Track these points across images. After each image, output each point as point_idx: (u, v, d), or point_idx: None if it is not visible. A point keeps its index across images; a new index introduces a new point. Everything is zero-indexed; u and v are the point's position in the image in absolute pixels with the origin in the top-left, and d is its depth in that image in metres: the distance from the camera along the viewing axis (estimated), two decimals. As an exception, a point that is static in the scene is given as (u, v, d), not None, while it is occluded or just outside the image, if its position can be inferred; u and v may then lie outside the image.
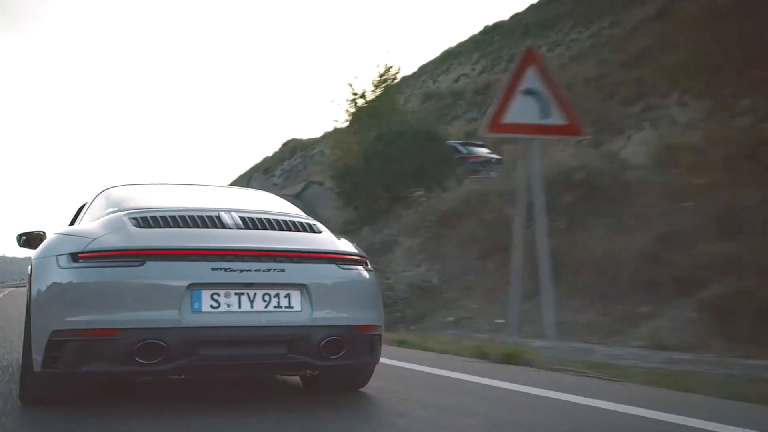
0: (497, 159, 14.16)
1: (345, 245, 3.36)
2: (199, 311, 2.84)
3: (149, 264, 2.85)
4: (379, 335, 3.29)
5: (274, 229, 3.22)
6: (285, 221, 3.32)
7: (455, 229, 10.42)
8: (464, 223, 10.34)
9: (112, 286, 2.82)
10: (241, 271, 2.91)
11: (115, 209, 3.32)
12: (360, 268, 3.28)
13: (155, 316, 2.80)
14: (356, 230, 12.87)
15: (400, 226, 11.73)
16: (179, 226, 3.07)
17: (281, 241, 3.14)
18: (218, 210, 3.24)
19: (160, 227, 3.05)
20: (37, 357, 2.87)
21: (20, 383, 3.20)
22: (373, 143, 13.12)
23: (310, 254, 3.11)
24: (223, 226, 3.12)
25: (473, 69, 29.67)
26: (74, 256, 2.90)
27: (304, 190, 17.38)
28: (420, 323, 8.93)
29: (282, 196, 4.41)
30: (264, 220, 3.24)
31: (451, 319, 8.68)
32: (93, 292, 2.82)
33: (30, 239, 4.40)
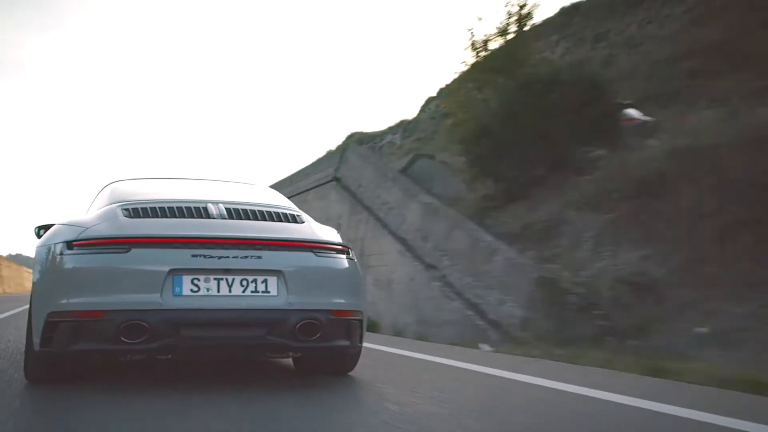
0: (652, 121, 11.02)
1: (325, 235, 3.55)
2: (180, 295, 3.07)
3: (134, 251, 3.09)
4: (358, 320, 3.47)
5: (257, 220, 3.47)
6: (269, 212, 3.57)
7: (666, 201, 7.38)
8: (678, 192, 7.28)
9: (101, 271, 3.06)
10: (220, 257, 3.13)
11: (113, 201, 3.58)
12: (340, 256, 3.47)
13: (139, 299, 3.02)
14: (499, 207, 9.97)
15: (567, 200, 8.75)
16: (166, 216, 3.33)
17: (260, 230, 3.35)
18: (206, 201, 3.51)
19: (149, 217, 3.31)
20: (36, 338, 3.15)
21: (24, 362, 3.45)
22: (518, 94, 10.10)
23: (286, 242, 3.31)
24: (209, 216, 3.38)
25: (552, 53, 26.28)
26: (69, 244, 3.16)
27: (410, 164, 14.52)
28: (642, 336, 6.00)
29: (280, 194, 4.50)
30: (249, 211, 3.50)
31: (703, 330, 5.68)
32: (84, 277, 3.07)
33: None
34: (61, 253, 3.13)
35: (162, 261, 3.07)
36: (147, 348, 3.01)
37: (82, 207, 4.54)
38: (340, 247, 3.49)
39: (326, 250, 3.40)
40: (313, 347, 3.28)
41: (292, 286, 3.21)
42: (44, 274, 3.24)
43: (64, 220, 3.49)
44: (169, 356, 3.24)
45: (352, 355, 3.76)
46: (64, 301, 3.03)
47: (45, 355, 3.17)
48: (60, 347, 3.06)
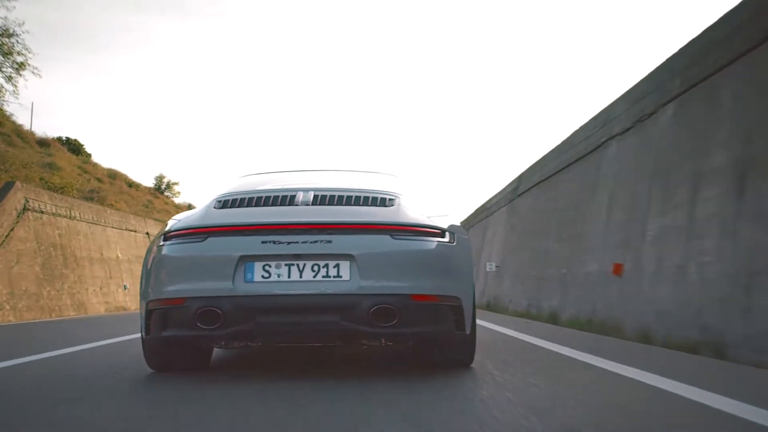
0: None
1: (414, 217, 3.37)
2: (251, 281, 3.15)
3: (210, 240, 3.22)
4: (451, 306, 3.31)
5: (342, 204, 3.41)
6: (358, 197, 3.48)
7: None
8: None
9: (182, 260, 3.24)
10: (289, 243, 3.15)
11: (221, 193, 3.69)
12: (426, 239, 3.31)
13: (212, 286, 3.14)
14: None
15: None
16: (251, 206, 3.41)
17: (333, 214, 3.30)
18: (299, 190, 3.52)
19: (235, 207, 3.43)
20: (141, 326, 3.40)
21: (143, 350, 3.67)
22: None
23: (357, 225, 3.23)
24: (293, 203, 3.40)
25: None
26: (166, 236, 3.37)
27: None
28: None
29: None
30: (336, 197, 3.45)
31: None
32: (170, 266, 3.26)
33: None
34: (158, 245, 3.39)
35: (233, 248, 3.17)
36: (223, 334, 3.15)
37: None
38: (428, 229, 3.33)
39: (406, 232, 3.28)
40: (391, 333, 3.19)
41: (365, 270, 3.15)
42: (146, 264, 3.45)
43: (178, 214, 3.77)
44: (254, 343, 3.33)
45: (460, 344, 3.61)
46: (157, 290, 3.27)
47: (150, 342, 3.46)
48: (155, 334, 3.29)
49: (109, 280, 19.05)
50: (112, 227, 20.25)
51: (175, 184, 40.61)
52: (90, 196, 23.23)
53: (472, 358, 3.75)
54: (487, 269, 12.86)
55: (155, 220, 25.61)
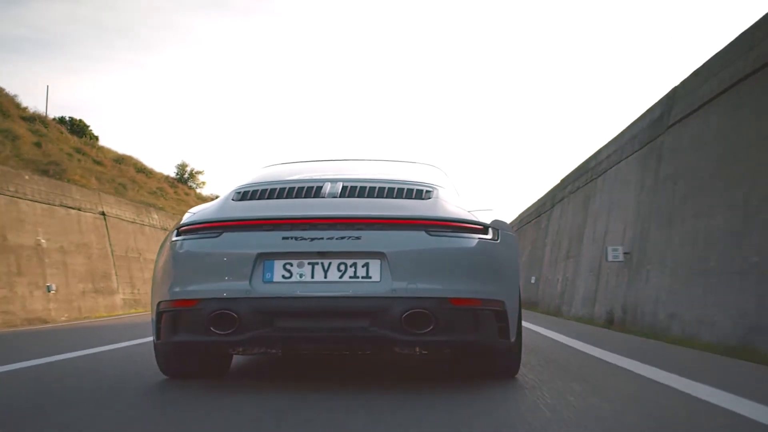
0: None
1: (453, 212, 3.04)
2: (270, 281, 2.87)
3: (225, 235, 2.94)
4: (494, 311, 2.96)
5: (373, 197, 3.11)
6: (392, 188, 3.18)
7: None
8: None
9: (194, 257, 2.98)
10: (313, 239, 2.86)
11: (243, 183, 3.44)
12: (468, 235, 2.97)
13: (227, 287, 2.87)
14: None
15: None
16: (273, 198, 3.14)
17: (364, 207, 3.00)
18: (325, 180, 3.25)
19: (255, 199, 3.16)
20: (153, 329, 3.15)
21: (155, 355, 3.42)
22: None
23: (390, 220, 2.92)
24: (319, 195, 3.12)
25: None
26: (179, 230, 3.10)
27: None
28: None
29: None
30: (367, 188, 3.17)
31: None
32: (182, 264, 3.01)
33: None
34: (171, 240, 3.12)
35: (251, 245, 2.89)
36: (239, 340, 2.88)
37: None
38: (469, 225, 2.98)
39: (444, 228, 2.93)
40: (427, 341, 2.85)
41: (397, 270, 2.82)
42: (158, 262, 3.19)
43: (194, 207, 3.49)
44: (273, 351, 3.06)
45: (503, 353, 3.23)
46: (167, 290, 3.01)
47: (162, 347, 3.22)
48: (166, 338, 3.03)
49: (17, 278, 11.97)
50: (31, 199, 13.10)
51: (199, 173, 37.01)
52: (45, 169, 18.31)
53: (517, 369, 3.38)
54: (610, 258, 7.54)
55: (141, 203, 20.51)
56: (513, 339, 3.12)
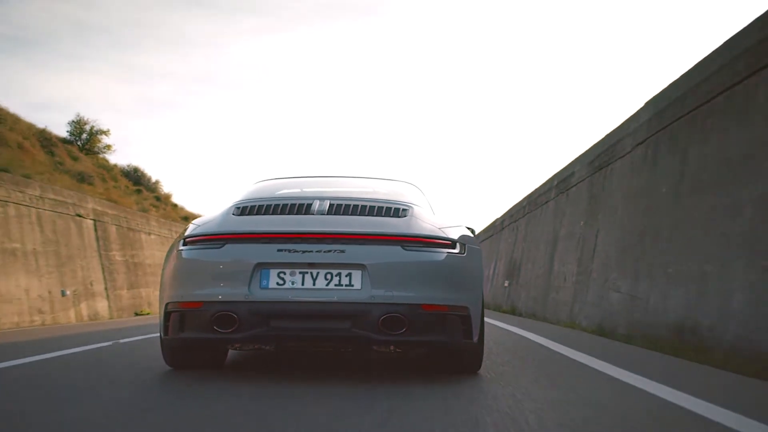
0: None
1: (425, 228, 3.43)
2: (266, 288, 3.26)
3: (227, 246, 3.34)
4: (460, 315, 3.34)
5: (356, 214, 3.48)
6: (372, 207, 3.55)
7: None
8: None
9: (200, 265, 3.37)
10: (304, 252, 3.25)
11: (239, 199, 3.83)
12: (436, 250, 3.35)
13: (228, 291, 3.26)
14: None
15: None
16: (269, 214, 3.52)
17: (347, 224, 3.37)
18: (314, 198, 3.63)
19: (253, 215, 3.54)
20: (160, 326, 3.56)
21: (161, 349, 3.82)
22: None
23: (370, 236, 3.30)
24: (309, 212, 3.49)
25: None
26: (185, 240, 3.48)
27: None
28: None
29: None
30: (351, 206, 3.53)
31: None
32: (189, 270, 3.40)
33: None
34: (178, 249, 3.49)
35: (250, 255, 3.27)
36: (238, 337, 3.23)
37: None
38: (438, 240, 3.38)
39: (417, 244, 3.33)
40: (401, 341, 3.27)
41: (376, 279, 3.22)
42: (166, 267, 3.55)
43: (197, 219, 3.81)
44: (267, 347, 3.51)
45: (467, 352, 3.60)
46: (175, 293, 3.39)
47: (168, 343, 3.56)
48: (173, 335, 3.39)
49: None
50: None
51: (104, 133, 26.38)
52: None
53: (479, 366, 3.75)
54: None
55: None
56: (476, 339, 3.48)
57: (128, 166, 30.33)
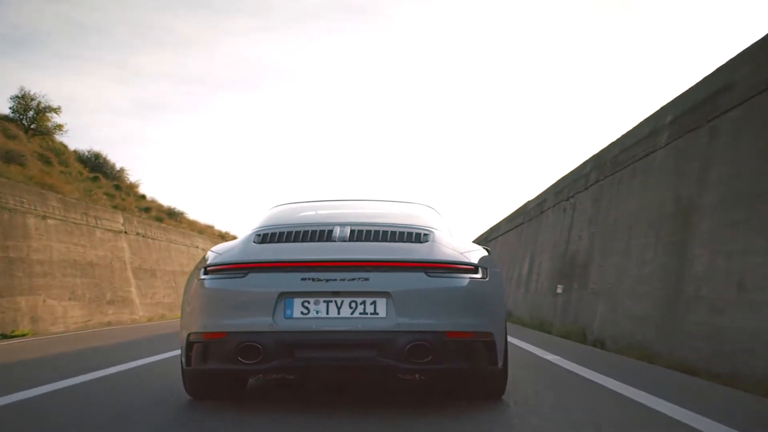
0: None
1: (447, 254, 3.40)
2: (291, 317, 3.23)
3: (250, 276, 3.30)
4: (484, 341, 3.32)
5: (378, 241, 3.47)
6: (393, 232, 3.54)
7: None
8: None
9: (224, 294, 3.32)
10: (328, 280, 3.23)
11: (259, 226, 3.86)
12: (460, 276, 3.32)
13: (253, 322, 3.22)
14: None
15: None
16: (290, 241, 3.50)
17: (371, 251, 3.35)
18: (335, 224, 3.62)
19: (274, 242, 3.51)
20: (182, 356, 3.50)
21: (182, 379, 3.78)
22: None
23: (394, 263, 3.28)
24: (330, 239, 3.48)
25: None
26: (206, 269, 3.44)
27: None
28: None
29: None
30: (372, 232, 3.53)
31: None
32: (212, 301, 3.34)
33: None
34: (199, 278, 3.43)
35: (273, 285, 3.25)
36: (263, 368, 3.21)
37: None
38: (461, 266, 3.36)
39: (441, 270, 3.31)
40: (427, 369, 3.25)
41: (401, 307, 3.21)
42: (187, 297, 3.53)
43: (216, 246, 3.77)
44: (290, 376, 3.67)
45: (491, 378, 3.64)
46: (198, 323, 3.34)
47: (191, 373, 3.57)
48: (196, 366, 3.36)
49: None
50: None
51: (54, 110, 22.82)
52: None
53: (502, 392, 3.76)
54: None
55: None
56: (500, 365, 3.47)
57: (89, 151, 27.74)
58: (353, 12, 73.81)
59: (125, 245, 16.30)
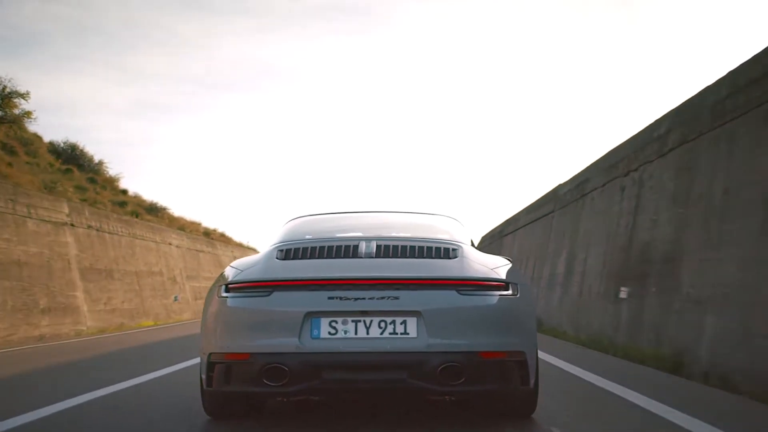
0: None
1: (478, 271, 3.26)
2: (318, 338, 3.07)
3: (275, 294, 3.14)
4: (517, 361, 3.18)
5: (406, 257, 3.32)
6: (421, 247, 3.40)
7: None
8: None
9: (247, 314, 3.16)
10: (356, 299, 3.07)
11: (280, 240, 3.77)
12: (492, 293, 3.19)
13: (278, 342, 3.07)
14: None
15: None
16: (314, 257, 3.36)
17: (400, 269, 3.21)
18: (361, 239, 3.49)
19: (298, 259, 3.37)
20: (203, 376, 3.32)
21: (201, 398, 3.63)
22: None
23: (424, 281, 3.14)
24: (357, 255, 3.34)
25: None
26: (227, 287, 3.27)
27: None
28: None
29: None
30: (399, 247, 3.38)
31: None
32: (234, 320, 3.18)
33: None
34: (220, 296, 3.27)
35: (299, 304, 3.11)
36: (289, 391, 3.07)
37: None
38: (492, 282, 3.22)
39: (472, 287, 3.17)
40: (459, 391, 3.12)
41: (432, 327, 3.06)
42: (207, 315, 3.35)
43: (235, 261, 3.61)
44: (316, 398, 3.63)
45: (523, 397, 3.51)
46: (219, 343, 3.18)
47: (212, 394, 3.42)
48: (218, 387, 3.20)
49: None
50: None
51: (22, 96, 19.29)
52: None
53: (534, 410, 3.62)
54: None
55: None
56: (532, 385, 3.30)
57: (65, 143, 26.06)
58: (353, 12, 72.40)
59: (70, 240, 13.60)
